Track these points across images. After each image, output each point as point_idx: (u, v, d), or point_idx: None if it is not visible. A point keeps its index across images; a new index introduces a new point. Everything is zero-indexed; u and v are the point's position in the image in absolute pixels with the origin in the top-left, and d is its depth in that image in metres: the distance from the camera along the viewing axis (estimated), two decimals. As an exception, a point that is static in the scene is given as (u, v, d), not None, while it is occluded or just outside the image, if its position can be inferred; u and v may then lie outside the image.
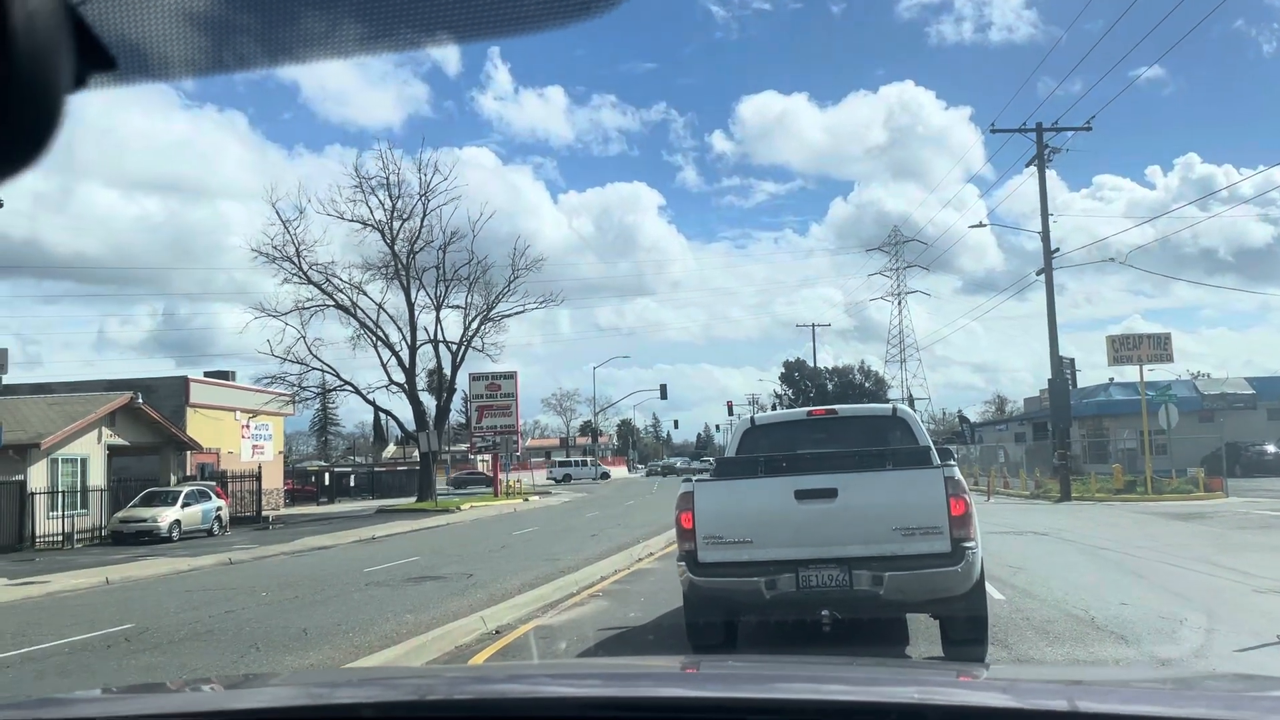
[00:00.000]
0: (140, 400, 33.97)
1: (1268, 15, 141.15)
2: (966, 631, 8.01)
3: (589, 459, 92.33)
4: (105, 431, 33.03)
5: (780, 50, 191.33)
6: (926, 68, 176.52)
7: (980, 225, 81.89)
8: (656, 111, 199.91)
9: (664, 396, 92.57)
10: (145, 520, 29.63)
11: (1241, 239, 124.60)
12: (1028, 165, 36.95)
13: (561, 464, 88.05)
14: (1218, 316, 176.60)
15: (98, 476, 32.44)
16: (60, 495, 30.24)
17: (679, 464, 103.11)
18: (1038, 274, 36.66)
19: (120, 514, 30.49)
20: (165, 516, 30.00)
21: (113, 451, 33.62)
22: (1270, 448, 46.56)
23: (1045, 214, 35.99)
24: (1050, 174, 36.33)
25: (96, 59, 1.07)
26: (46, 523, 29.25)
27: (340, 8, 1.23)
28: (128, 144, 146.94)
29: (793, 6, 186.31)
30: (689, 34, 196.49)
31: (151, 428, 35.17)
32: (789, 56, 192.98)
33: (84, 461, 32.00)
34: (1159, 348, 37.12)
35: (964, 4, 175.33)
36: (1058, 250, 35.93)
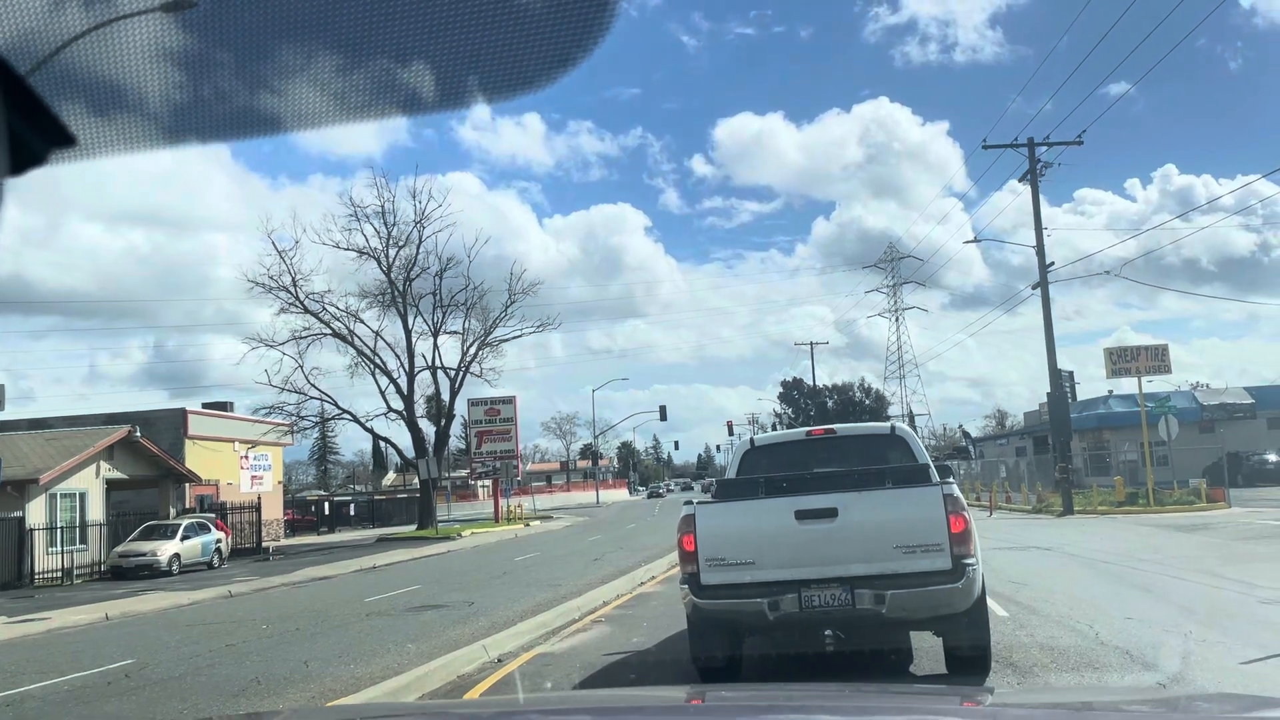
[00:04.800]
0: (138, 434, 33.91)
1: (1231, 34, 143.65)
2: (969, 649, 7.97)
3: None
4: (104, 465, 32.95)
5: (752, 73, 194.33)
6: (899, 85, 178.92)
7: (974, 241, 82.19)
8: (634, 136, 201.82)
9: (663, 418, 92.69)
10: (144, 554, 29.52)
11: (1224, 249, 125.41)
12: (1020, 180, 37.13)
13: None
14: (1208, 327, 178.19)
15: (96, 511, 32.32)
16: (59, 531, 30.12)
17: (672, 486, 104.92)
18: (1033, 288, 36.75)
19: (119, 548, 30.38)
20: (165, 550, 29.89)
21: (111, 485, 33.53)
22: (1271, 457, 46.49)
23: (1039, 228, 36.13)
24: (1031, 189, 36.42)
25: (55, 136, 1.07)
26: (46, 559, 29.13)
27: (318, 78, 1.24)
28: (110, 177, 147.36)
29: (763, 33, 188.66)
30: (660, 60, 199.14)
31: (150, 461, 35.09)
32: (761, 79, 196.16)
33: (83, 496, 31.90)
34: (1157, 359, 37.15)
35: (928, 23, 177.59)
36: (1053, 264, 36.03)
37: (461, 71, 1.22)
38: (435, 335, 49.07)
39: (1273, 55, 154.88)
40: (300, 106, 1.25)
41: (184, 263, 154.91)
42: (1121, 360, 36.99)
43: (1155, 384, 39.26)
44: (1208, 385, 61.31)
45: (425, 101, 1.28)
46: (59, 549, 29.60)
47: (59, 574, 28.85)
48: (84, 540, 31.23)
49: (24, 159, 1.01)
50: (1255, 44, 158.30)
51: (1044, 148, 35.95)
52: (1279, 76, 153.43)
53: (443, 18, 1.16)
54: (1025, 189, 37.12)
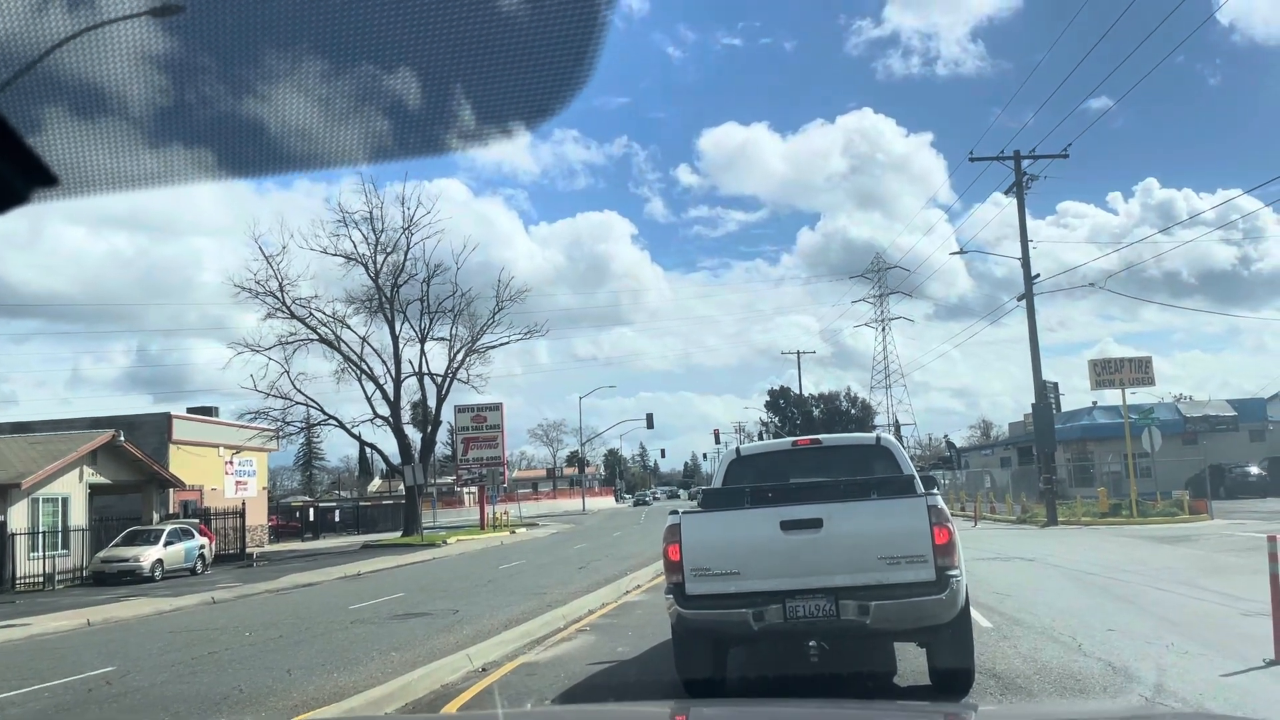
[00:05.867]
0: (122, 438, 33.68)
1: (1210, 50, 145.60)
2: (952, 659, 8.00)
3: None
4: (87, 470, 32.72)
5: (737, 84, 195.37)
6: (882, 96, 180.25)
7: (960, 252, 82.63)
8: (620, 145, 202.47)
9: (650, 426, 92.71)
10: (127, 560, 29.33)
11: (1205, 262, 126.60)
12: (1006, 193, 37.36)
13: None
14: (1189, 340, 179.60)
15: (79, 516, 32.08)
16: (41, 536, 29.87)
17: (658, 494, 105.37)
18: (1019, 299, 36.95)
19: (102, 554, 30.17)
20: (147, 556, 29.71)
21: (94, 490, 33.29)
22: (1253, 469, 46.82)
23: (1025, 240, 36.33)
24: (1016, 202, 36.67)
25: (37, 175, 1.08)
26: (27, 564, 28.89)
27: (298, 126, 1.26)
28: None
29: (750, 44, 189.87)
30: (646, 70, 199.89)
31: (134, 465, 34.87)
32: (746, 89, 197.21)
33: (65, 501, 31.66)
34: (1140, 371, 37.40)
35: (911, 36, 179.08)
36: (1038, 276, 36.24)
37: (443, 122, 1.24)
38: (422, 341, 49.01)
39: (1251, 72, 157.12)
40: (281, 151, 1.27)
41: (169, 267, 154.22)
42: (1106, 372, 37.23)
43: (1139, 396, 39.58)
44: (1191, 398, 61.78)
45: (403, 149, 1.30)
46: (41, 554, 29.35)
47: (40, 579, 28.61)
48: (66, 545, 30.99)
49: (6, 198, 1.02)
50: (1234, 61, 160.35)
51: (1029, 160, 36.23)
52: (1257, 92, 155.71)
53: (426, 70, 1.18)
54: (1009, 201, 37.44)
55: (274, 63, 1.21)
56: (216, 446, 44.44)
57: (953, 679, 7.97)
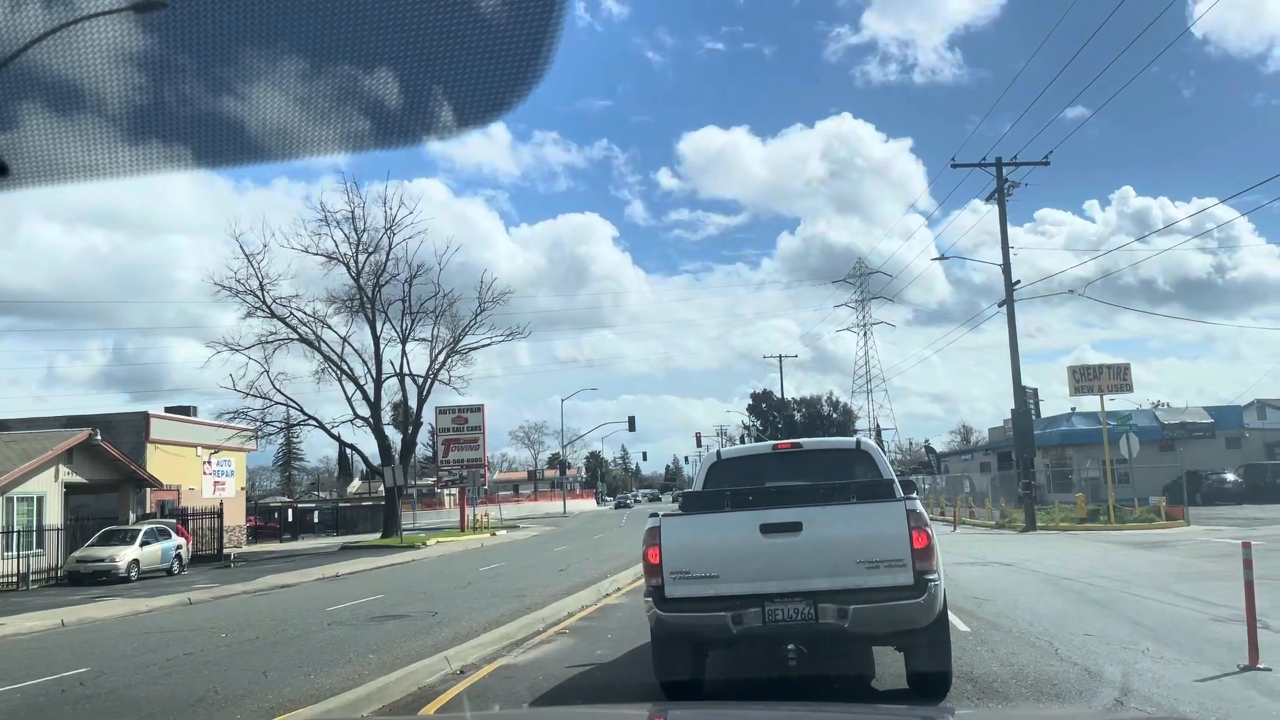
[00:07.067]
0: (99, 437, 33.37)
1: (1184, 62, 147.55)
2: (930, 664, 8.02)
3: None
4: (63, 469, 32.41)
5: (716, 87, 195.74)
6: (861, 102, 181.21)
7: (941, 258, 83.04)
8: (600, 148, 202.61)
9: (632, 428, 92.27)
10: (103, 560, 29.07)
11: (1181, 270, 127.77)
12: (986, 200, 37.60)
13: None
14: (1166, 347, 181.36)
15: (54, 515, 31.76)
16: (15, 535, 29.55)
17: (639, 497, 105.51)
18: (1000, 305, 37.13)
19: (77, 554, 29.89)
20: (123, 556, 29.45)
21: (70, 489, 32.98)
22: (1230, 476, 47.23)
23: (1005, 247, 36.54)
24: (996, 209, 36.89)
25: None
26: (1, 563, 28.56)
27: (268, 117, 1.25)
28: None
29: (732, 48, 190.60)
30: (625, 73, 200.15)
31: (110, 465, 34.56)
32: (725, 93, 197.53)
33: (40, 500, 31.34)
34: (1118, 378, 37.69)
35: (888, 43, 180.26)
36: (1019, 283, 36.45)
37: (409, 110, 1.24)
38: (404, 342, 48.80)
39: (1224, 83, 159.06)
40: (256, 141, 1.26)
41: (145, 264, 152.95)
42: (1085, 378, 37.49)
43: (1117, 403, 39.83)
44: (1168, 404, 62.29)
45: (371, 139, 1.29)
46: (15, 553, 29.04)
47: (14, 579, 28.31)
48: (41, 545, 30.67)
49: None
50: (1208, 72, 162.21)
51: (1011, 167, 36.43)
52: (1230, 103, 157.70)
53: (393, 59, 1.17)
54: (988, 208, 37.84)
55: (238, 53, 1.20)
56: (194, 446, 44.12)
57: (930, 683, 7.99)
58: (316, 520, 61.56)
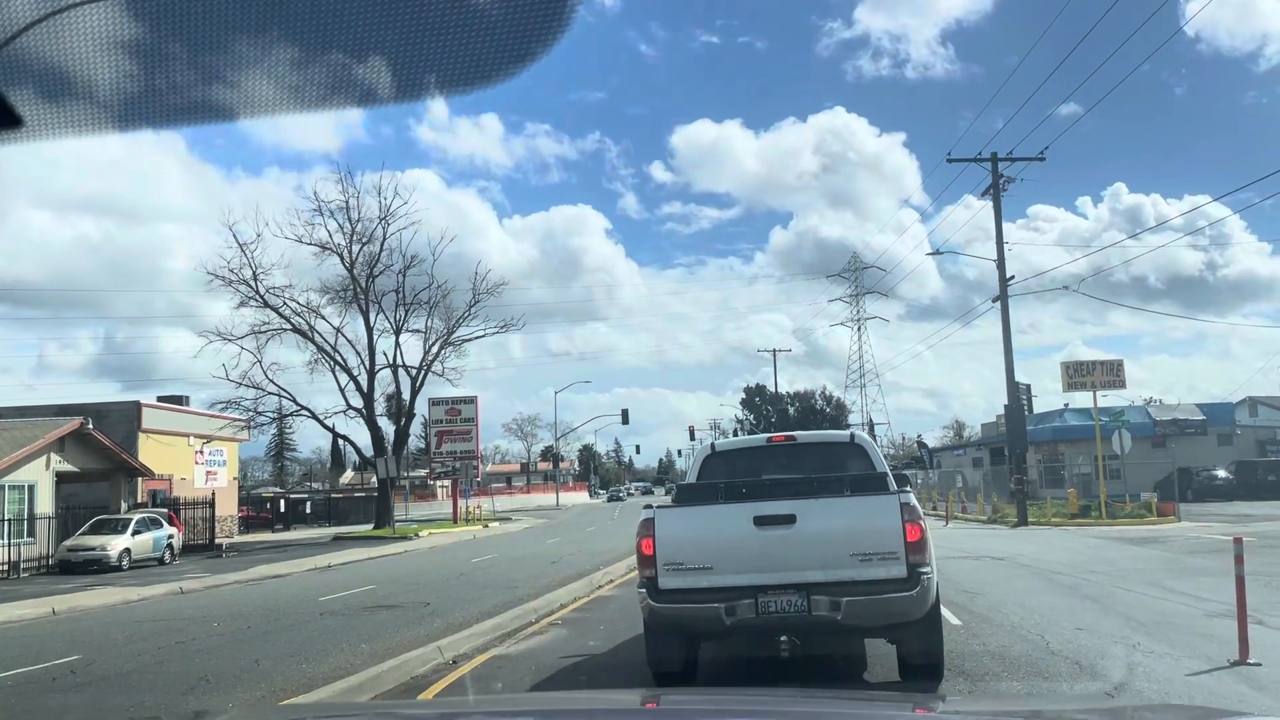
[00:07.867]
0: (91, 426, 33.28)
1: (1176, 60, 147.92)
2: (922, 656, 8.05)
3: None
4: (54, 458, 32.32)
5: (709, 80, 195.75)
6: (854, 96, 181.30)
7: (936, 253, 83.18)
8: (593, 140, 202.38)
9: (625, 421, 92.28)
10: (94, 549, 29.01)
11: (1172, 267, 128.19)
12: (980, 196, 37.64)
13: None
14: (1157, 344, 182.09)
15: (46, 504, 31.69)
16: (6, 523, 29.47)
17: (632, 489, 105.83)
18: (994, 300, 37.17)
19: (68, 542, 29.83)
20: (115, 545, 29.39)
21: (61, 478, 32.90)
22: (1220, 472, 47.44)
23: (1000, 243, 36.54)
24: (990, 204, 36.90)
25: (1, 117, 1.05)
26: (-9, 551, 28.53)
27: (273, 69, 1.23)
28: (59, 163, 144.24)
29: (726, 42, 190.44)
30: (617, 66, 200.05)
31: (102, 454, 34.48)
32: (718, 87, 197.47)
33: (31, 488, 31.27)
34: (1111, 374, 37.79)
35: (881, 37, 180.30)
36: (1013, 278, 36.50)
37: (419, 64, 1.22)
38: (397, 333, 48.71)
39: (1216, 81, 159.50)
40: (255, 96, 1.24)
41: (137, 253, 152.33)
42: (1078, 374, 37.58)
43: (1110, 399, 39.99)
44: (1160, 401, 62.52)
45: (382, 94, 1.27)
46: (5, 542, 28.97)
47: (5, 567, 28.25)
48: (32, 533, 30.60)
49: None
50: (1199, 70, 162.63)
51: (1006, 162, 36.44)
52: (1221, 101, 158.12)
53: (401, 10, 1.15)
54: (980, 203, 37.86)
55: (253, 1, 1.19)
56: (186, 436, 44.03)
57: (922, 675, 8.02)
58: (309, 511, 61.51)
